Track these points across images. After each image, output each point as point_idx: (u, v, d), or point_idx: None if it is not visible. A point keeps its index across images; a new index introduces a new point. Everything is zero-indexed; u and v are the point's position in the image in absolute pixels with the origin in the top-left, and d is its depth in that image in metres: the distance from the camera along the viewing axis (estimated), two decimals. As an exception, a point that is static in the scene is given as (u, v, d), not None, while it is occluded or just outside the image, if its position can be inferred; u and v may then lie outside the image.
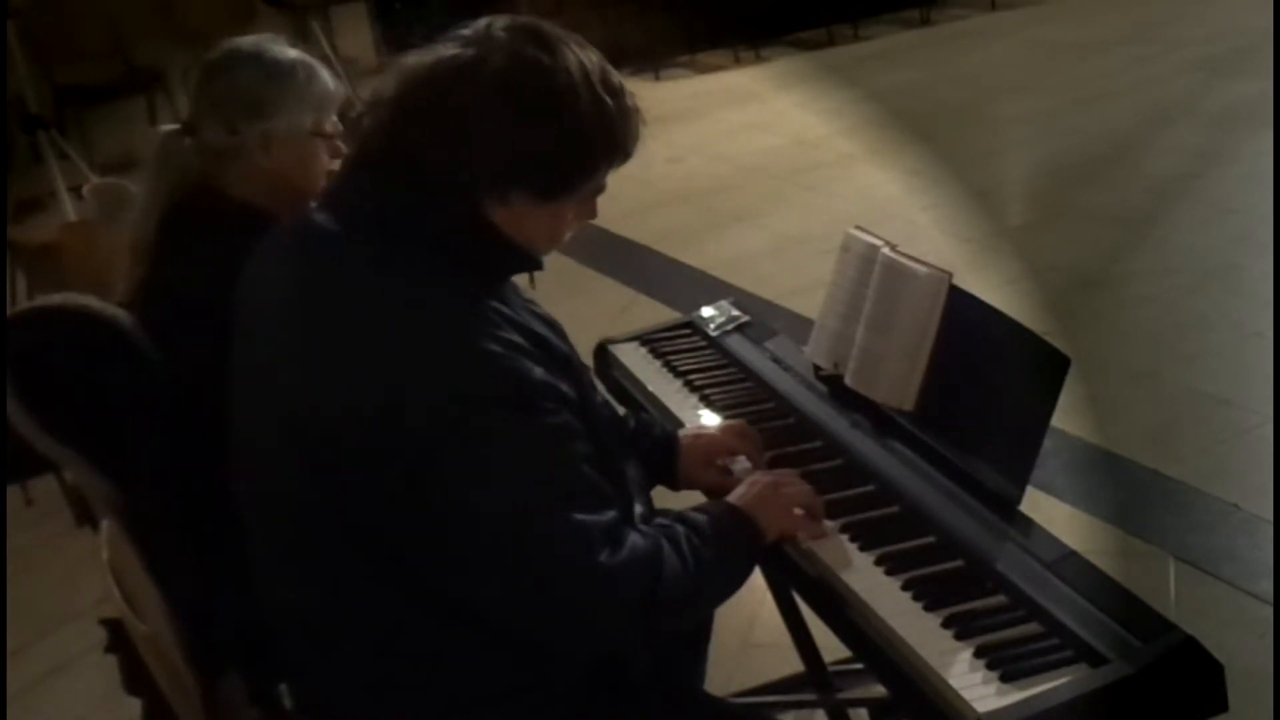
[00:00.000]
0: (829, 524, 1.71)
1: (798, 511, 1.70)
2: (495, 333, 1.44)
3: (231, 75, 1.97)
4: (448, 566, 1.45)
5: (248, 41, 2.01)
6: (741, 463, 1.89)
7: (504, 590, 1.45)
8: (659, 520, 1.60)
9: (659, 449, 1.89)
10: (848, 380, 1.96)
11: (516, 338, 1.45)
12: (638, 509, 1.63)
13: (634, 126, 1.56)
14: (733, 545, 1.61)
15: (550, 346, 1.52)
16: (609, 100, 1.52)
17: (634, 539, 1.50)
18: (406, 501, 1.41)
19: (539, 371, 1.44)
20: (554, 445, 1.45)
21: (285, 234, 1.60)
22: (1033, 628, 1.48)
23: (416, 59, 1.52)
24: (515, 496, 1.42)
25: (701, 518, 1.62)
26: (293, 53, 2.00)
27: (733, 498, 1.69)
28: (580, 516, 1.44)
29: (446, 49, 1.50)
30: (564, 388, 1.48)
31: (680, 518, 1.61)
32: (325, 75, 2.01)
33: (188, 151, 1.99)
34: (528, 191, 1.51)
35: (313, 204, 1.60)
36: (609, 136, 1.53)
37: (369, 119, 1.54)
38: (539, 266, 1.61)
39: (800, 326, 2.17)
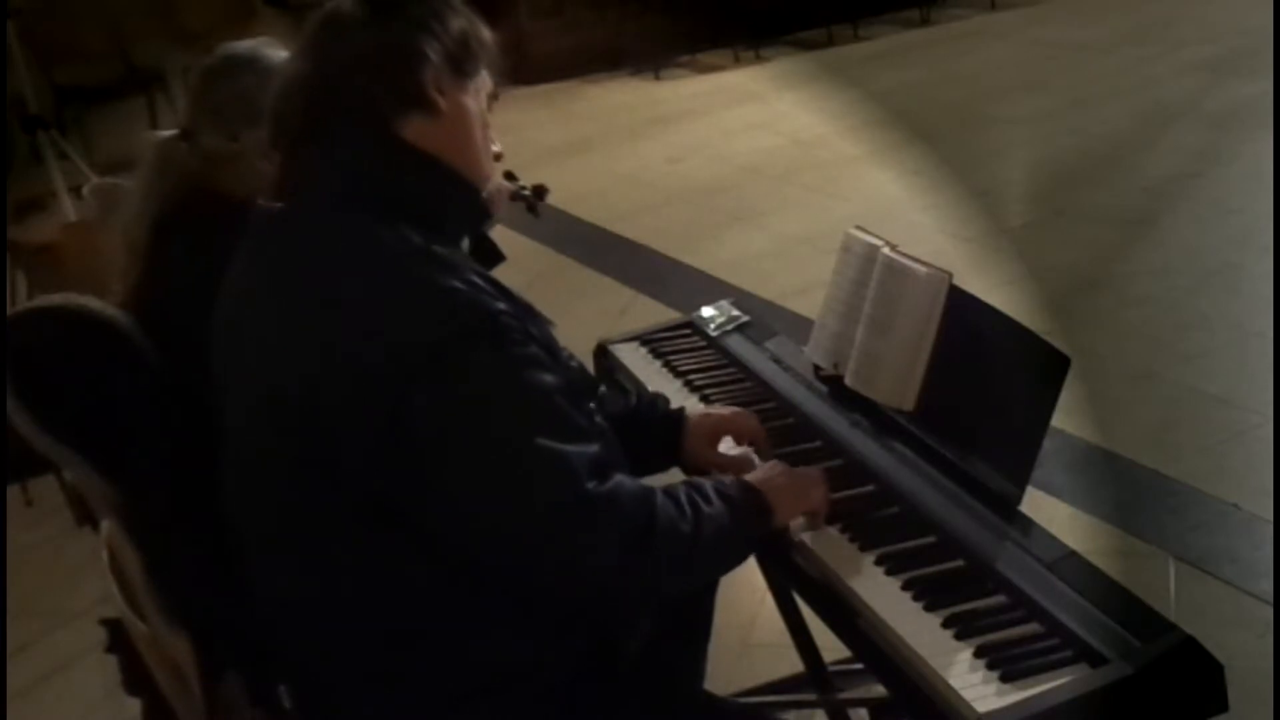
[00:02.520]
0: (830, 530, 1.70)
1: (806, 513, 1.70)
2: (455, 272, 1.46)
3: (230, 82, 1.97)
4: (435, 513, 1.45)
5: (244, 46, 2.01)
6: (738, 447, 1.88)
7: (491, 525, 1.44)
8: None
9: (665, 424, 1.88)
10: (848, 380, 1.96)
11: (476, 279, 1.48)
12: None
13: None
14: (737, 511, 1.58)
15: (511, 294, 1.53)
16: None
17: (621, 477, 1.49)
18: (389, 451, 1.42)
19: (502, 305, 1.46)
20: (524, 374, 1.46)
21: (248, 232, 1.62)
22: (1033, 628, 1.48)
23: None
24: (491, 426, 1.42)
25: (706, 481, 1.61)
26: (288, 56, 2.00)
27: (748, 475, 1.68)
28: (559, 445, 1.43)
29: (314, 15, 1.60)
30: (530, 328, 1.50)
31: (684, 480, 1.61)
32: None
33: (185, 157, 1.99)
34: (447, 66, 1.56)
35: (261, 198, 1.61)
36: (484, 30, 1.63)
37: (284, 106, 1.58)
38: (486, 211, 1.63)
39: (800, 326, 2.17)
